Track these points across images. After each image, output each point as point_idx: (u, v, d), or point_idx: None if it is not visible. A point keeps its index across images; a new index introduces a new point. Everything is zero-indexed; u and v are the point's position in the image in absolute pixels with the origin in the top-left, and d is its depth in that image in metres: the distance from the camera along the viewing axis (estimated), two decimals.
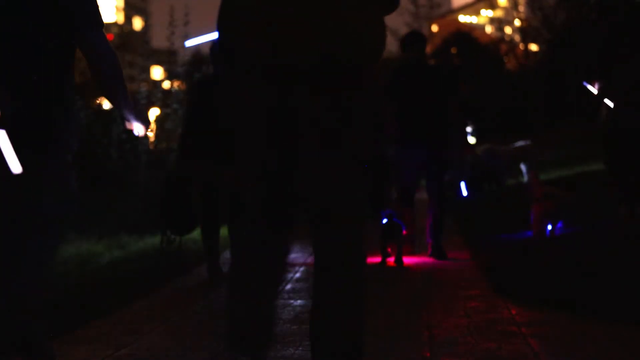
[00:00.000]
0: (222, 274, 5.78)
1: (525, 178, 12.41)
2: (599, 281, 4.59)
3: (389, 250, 6.41)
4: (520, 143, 12.59)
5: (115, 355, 3.61)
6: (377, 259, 6.36)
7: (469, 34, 38.81)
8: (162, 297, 5.30)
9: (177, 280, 5.90)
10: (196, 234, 6.85)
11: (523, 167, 12.62)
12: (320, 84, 2.37)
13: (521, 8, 35.59)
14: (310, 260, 6.90)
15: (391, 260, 6.37)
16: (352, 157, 2.49)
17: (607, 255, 5.32)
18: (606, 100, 6.34)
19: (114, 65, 2.78)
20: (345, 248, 2.53)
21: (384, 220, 6.31)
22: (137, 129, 3.09)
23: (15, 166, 2.52)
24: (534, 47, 33.55)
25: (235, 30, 2.46)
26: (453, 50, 35.60)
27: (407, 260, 6.43)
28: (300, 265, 6.65)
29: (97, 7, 2.83)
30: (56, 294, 4.94)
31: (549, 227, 6.70)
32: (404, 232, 6.37)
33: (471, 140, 13.34)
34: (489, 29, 62.20)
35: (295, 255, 7.18)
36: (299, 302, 4.93)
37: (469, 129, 13.49)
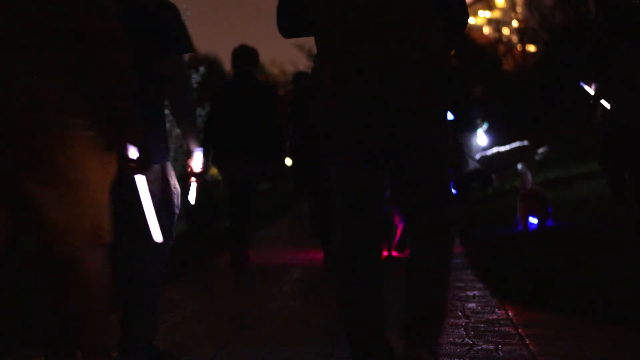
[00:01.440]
0: (247, 265, 6.47)
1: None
2: (597, 281, 4.60)
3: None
4: (517, 144, 12.60)
5: (112, 356, 3.60)
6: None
7: (466, 34, 38.77)
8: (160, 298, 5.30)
9: (174, 281, 5.90)
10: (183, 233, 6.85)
11: (520, 167, 12.63)
12: (407, 92, 2.73)
13: (519, 9, 35.60)
14: (308, 260, 6.91)
15: (384, 253, 6.52)
16: (441, 157, 2.87)
17: (604, 255, 5.33)
18: (602, 101, 6.35)
19: (188, 100, 3.25)
20: (442, 233, 2.86)
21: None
22: (195, 164, 3.40)
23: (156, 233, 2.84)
24: (531, 48, 33.56)
25: (337, 51, 2.79)
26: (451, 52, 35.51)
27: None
28: (299, 266, 6.65)
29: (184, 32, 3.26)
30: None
31: (534, 221, 7.21)
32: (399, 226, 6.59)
33: (482, 140, 13.30)
34: (486, 30, 62.24)
35: (295, 256, 7.19)
36: (298, 302, 4.94)
37: (484, 127, 13.47)
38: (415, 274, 2.84)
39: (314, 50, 2.93)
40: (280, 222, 11.31)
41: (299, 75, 11.53)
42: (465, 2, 2.89)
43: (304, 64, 32.07)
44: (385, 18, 2.72)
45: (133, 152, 2.59)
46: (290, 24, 3.01)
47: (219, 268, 6.88)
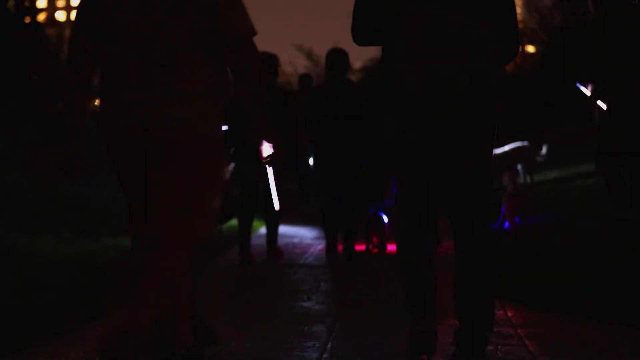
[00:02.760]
0: (251, 259, 6.85)
1: (522, 179, 12.44)
2: (597, 282, 4.60)
3: (374, 240, 7.17)
4: (516, 144, 12.59)
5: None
6: (363, 247, 7.23)
7: None
8: None
9: None
10: None
11: (520, 167, 12.64)
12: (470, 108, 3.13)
13: (518, 9, 35.59)
14: (310, 259, 6.91)
15: (375, 249, 7.19)
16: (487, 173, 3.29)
17: (603, 255, 5.33)
18: (599, 102, 6.34)
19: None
20: (482, 225, 3.24)
21: (371, 212, 7.18)
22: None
23: (276, 203, 3.13)
24: (530, 48, 33.56)
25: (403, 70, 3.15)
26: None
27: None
28: (300, 265, 6.65)
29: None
30: (55, 295, 4.94)
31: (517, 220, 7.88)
32: (386, 225, 7.14)
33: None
34: None
35: (294, 256, 7.19)
36: (298, 303, 4.94)
37: None
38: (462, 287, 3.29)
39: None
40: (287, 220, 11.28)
41: (305, 78, 11.79)
42: (517, 31, 3.27)
43: (302, 64, 32.08)
44: (460, 42, 3.10)
45: (267, 149, 3.01)
46: (365, 35, 3.33)
47: (227, 264, 6.86)
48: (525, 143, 12.71)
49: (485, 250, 3.22)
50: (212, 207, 2.92)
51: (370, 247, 7.23)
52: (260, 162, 3.20)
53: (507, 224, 7.91)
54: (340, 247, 6.90)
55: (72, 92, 2.92)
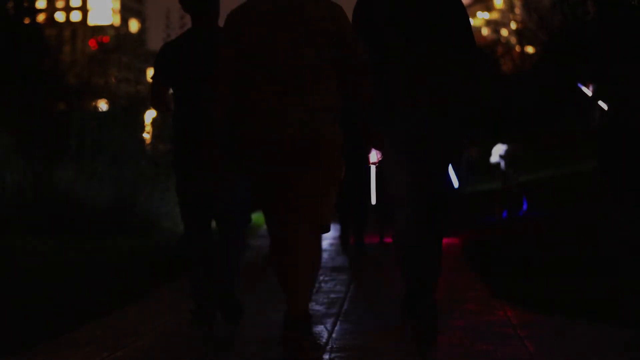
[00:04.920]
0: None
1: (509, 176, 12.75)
2: (597, 282, 4.60)
3: (386, 233, 7.59)
4: (499, 146, 12.77)
5: (111, 357, 3.60)
6: (377, 239, 7.70)
7: None
8: (157, 300, 5.30)
9: (172, 282, 5.90)
10: None
11: (503, 166, 12.91)
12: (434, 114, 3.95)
13: (517, 10, 35.61)
14: None
15: (388, 240, 7.41)
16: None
17: (602, 255, 5.33)
18: (600, 102, 6.33)
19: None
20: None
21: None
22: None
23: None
24: (530, 49, 33.58)
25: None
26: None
27: None
28: None
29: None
30: (51, 297, 4.94)
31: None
32: None
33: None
34: (485, 31, 62.26)
35: None
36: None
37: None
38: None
39: None
40: None
41: None
42: (477, 54, 4.10)
43: None
44: (436, 75, 3.92)
45: (374, 156, 3.97)
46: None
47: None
48: (506, 146, 12.91)
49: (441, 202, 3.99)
50: (332, 200, 3.58)
51: (384, 240, 7.70)
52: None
53: (504, 213, 9.02)
54: (352, 241, 7.35)
55: (218, 107, 3.53)
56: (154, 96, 4.35)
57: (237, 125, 3.55)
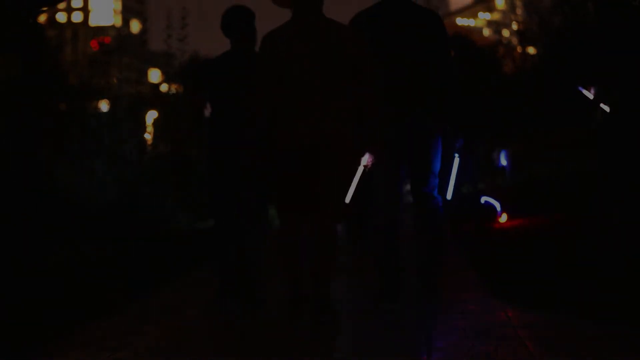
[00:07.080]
0: None
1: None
2: (597, 282, 4.60)
3: None
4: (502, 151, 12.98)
5: (112, 357, 3.61)
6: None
7: (466, 36, 38.67)
8: (159, 300, 5.30)
9: (173, 282, 5.90)
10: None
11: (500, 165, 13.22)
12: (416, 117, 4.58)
13: (519, 11, 35.56)
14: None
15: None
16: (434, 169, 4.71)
17: (602, 255, 5.32)
18: (602, 105, 6.33)
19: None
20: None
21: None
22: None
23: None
24: (531, 50, 33.54)
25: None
26: (451, 53, 35.49)
27: None
28: None
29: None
30: (53, 296, 4.94)
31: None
32: None
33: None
34: (486, 32, 62.23)
35: None
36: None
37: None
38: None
39: None
40: None
41: None
42: (455, 77, 4.70)
43: None
44: (411, 86, 4.52)
45: (365, 159, 4.20)
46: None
47: None
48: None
49: (431, 203, 4.60)
50: (345, 194, 4.15)
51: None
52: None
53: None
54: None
55: (260, 110, 4.11)
56: (196, 107, 5.06)
57: (273, 129, 4.10)
